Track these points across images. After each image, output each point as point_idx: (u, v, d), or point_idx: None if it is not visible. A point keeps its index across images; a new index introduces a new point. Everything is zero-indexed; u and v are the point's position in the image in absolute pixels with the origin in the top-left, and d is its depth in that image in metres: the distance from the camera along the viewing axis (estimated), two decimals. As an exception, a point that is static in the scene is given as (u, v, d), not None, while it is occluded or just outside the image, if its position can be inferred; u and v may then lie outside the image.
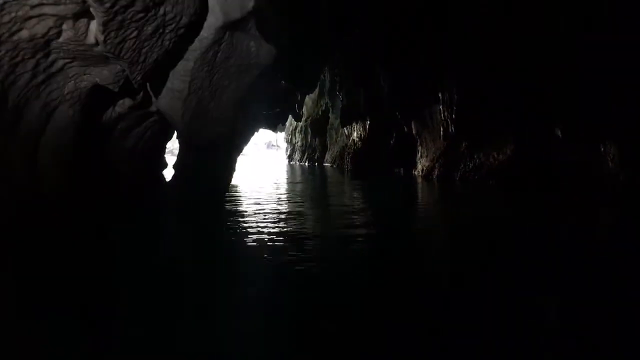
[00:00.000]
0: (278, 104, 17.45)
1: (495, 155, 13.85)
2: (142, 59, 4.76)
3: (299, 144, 42.13)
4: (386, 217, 8.75)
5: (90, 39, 4.19)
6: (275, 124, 27.16)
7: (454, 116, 14.55)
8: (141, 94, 6.14)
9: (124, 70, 4.93)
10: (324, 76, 34.27)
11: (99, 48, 4.29)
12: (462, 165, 14.94)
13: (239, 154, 22.37)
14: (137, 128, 7.49)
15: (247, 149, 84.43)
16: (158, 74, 5.59)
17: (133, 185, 8.57)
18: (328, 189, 14.87)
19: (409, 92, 17.37)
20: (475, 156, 14.49)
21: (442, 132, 15.53)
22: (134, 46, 4.48)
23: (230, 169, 11.02)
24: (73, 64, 4.64)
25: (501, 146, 13.68)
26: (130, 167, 8.42)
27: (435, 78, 15.15)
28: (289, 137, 45.91)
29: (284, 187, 14.16)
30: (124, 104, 6.35)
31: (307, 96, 35.64)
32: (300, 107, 32.97)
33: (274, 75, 11.49)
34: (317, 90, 36.05)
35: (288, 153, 46.24)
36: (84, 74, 4.87)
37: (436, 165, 16.65)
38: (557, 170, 11.61)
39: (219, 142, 8.25)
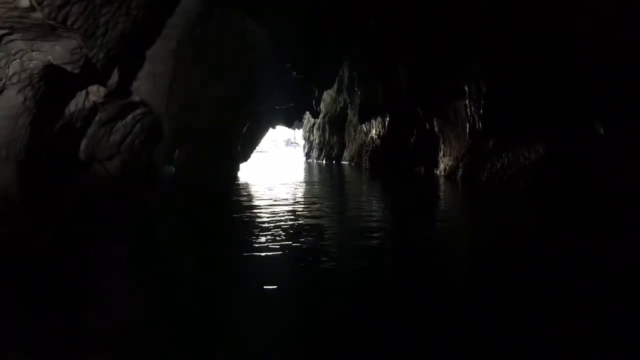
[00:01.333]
0: (291, 98, 16.45)
1: (526, 155, 12.62)
2: (101, 31, 3.84)
3: (317, 141, 41.15)
4: (405, 225, 7.72)
5: (23, 0, 3.27)
6: (290, 120, 26.25)
7: (481, 111, 13.33)
8: (116, 78, 5.21)
9: (82, 47, 4.01)
10: (343, 72, 33.17)
11: (37, 14, 3.37)
12: (488, 165, 13.73)
13: (251, 151, 21.61)
14: (122, 120, 6.58)
15: (267, 146, 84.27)
16: (130, 54, 4.65)
17: (124, 185, 7.71)
18: (345, 192, 13.77)
19: (431, 86, 16.20)
20: (504, 155, 13.26)
21: (467, 129, 14.33)
22: (86, 12, 3.55)
23: (231, 168, 10.13)
24: (14, 37, 3.74)
25: (533, 144, 12.44)
26: (121, 164, 7.57)
27: (461, 70, 13.95)
28: (307, 134, 44.99)
29: (299, 188, 13.11)
30: (99, 91, 5.44)
31: (325, 92, 34.62)
32: (318, 104, 31.92)
33: (282, 65, 10.54)
34: (335, 86, 34.99)
35: (305, 150, 45.29)
36: (32, 51, 3.95)
37: (460, 164, 15.47)
38: (596, 172, 10.38)
39: (214, 137, 7.31)
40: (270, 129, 59.09)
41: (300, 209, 8.07)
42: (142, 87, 5.60)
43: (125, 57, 4.65)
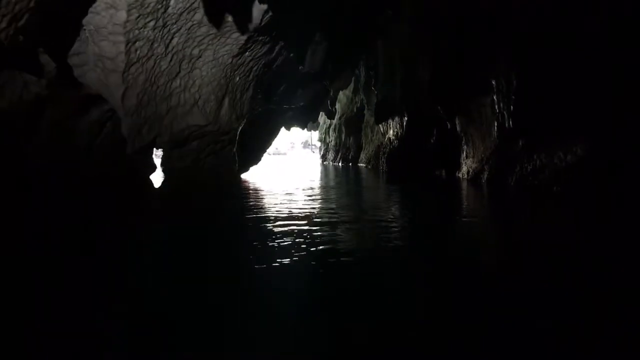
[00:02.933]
0: (304, 97, 15.31)
1: (562, 156, 11.21)
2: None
3: (333, 143, 40.07)
4: (425, 239, 6.48)
5: None
6: (304, 121, 25.17)
7: (511, 107, 11.96)
8: (52, 64, 4.10)
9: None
10: (359, 71, 32.07)
11: None
12: (518, 167, 12.33)
13: (260, 153, 20.56)
14: (83, 118, 5.48)
15: (284, 148, 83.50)
16: (55, 24, 3.52)
17: (93, 197, 6.66)
18: (363, 199, 12.44)
19: (453, 82, 14.91)
20: (535, 157, 11.87)
21: (495, 128, 12.96)
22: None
23: (228, 173, 9.09)
24: None
25: (570, 144, 11.03)
26: (93, 168, 6.51)
27: (488, 62, 12.60)
28: (323, 136, 43.95)
29: (312, 196, 11.79)
30: (40, 81, 4.34)
31: (341, 92, 33.55)
32: (333, 104, 30.95)
33: (283, 55, 9.58)
34: (351, 86, 33.86)
35: (322, 153, 44.34)
36: None
37: (485, 167, 14.10)
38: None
39: (197, 138, 6.20)
40: (287, 131, 58.68)
41: (316, 232, 6.86)
42: (91, 74, 4.50)
43: (48, 29, 3.54)
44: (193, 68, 6.86)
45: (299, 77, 13.08)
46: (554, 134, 11.25)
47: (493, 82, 12.76)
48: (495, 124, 12.97)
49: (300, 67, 12.45)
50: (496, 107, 12.77)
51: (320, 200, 10.10)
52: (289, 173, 23.54)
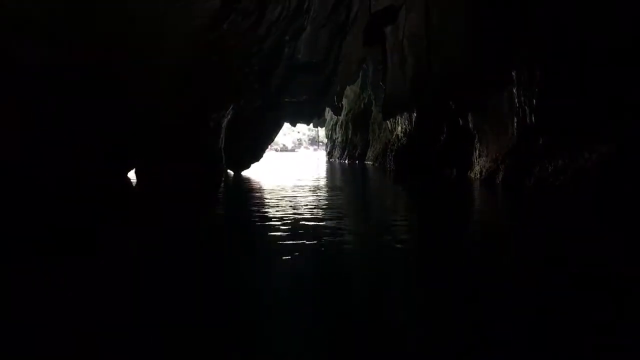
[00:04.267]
0: (302, 87, 14.31)
1: (587, 155, 10.16)
2: None
3: (339, 140, 39.09)
4: (434, 252, 5.52)
5: None
6: (309, 117, 24.19)
7: (534, 102, 10.87)
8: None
9: None
10: (367, 66, 31.03)
11: None
12: (537, 168, 11.28)
13: (261, 149, 19.60)
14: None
15: (291, 145, 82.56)
16: None
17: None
18: (369, 201, 11.39)
19: (467, 74, 13.88)
20: (558, 156, 10.81)
21: (515, 124, 11.87)
22: None
23: (208, 172, 8.07)
24: None
25: (597, 142, 9.98)
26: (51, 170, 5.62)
27: (507, 52, 11.52)
28: (329, 133, 43.00)
29: (317, 198, 10.78)
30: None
31: (348, 88, 32.52)
32: (340, 99, 30.01)
33: (273, 35, 8.43)
34: (359, 81, 32.84)
35: (328, 149, 43.41)
36: None
37: (501, 166, 13.04)
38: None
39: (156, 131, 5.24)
40: (293, 128, 57.45)
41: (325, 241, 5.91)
42: None
43: None
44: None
45: (299, 66, 12.07)
46: (578, 132, 10.19)
47: (513, 74, 11.66)
48: (515, 120, 11.88)
49: (298, 56, 11.43)
50: (515, 101, 11.69)
51: (324, 207, 9.13)
52: (291, 171, 22.60)
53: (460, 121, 16.08)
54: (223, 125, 10.34)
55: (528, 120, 11.28)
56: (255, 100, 11.41)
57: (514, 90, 11.74)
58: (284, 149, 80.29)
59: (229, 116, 10.41)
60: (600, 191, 9.43)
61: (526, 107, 11.29)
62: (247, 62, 8.78)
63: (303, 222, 7.06)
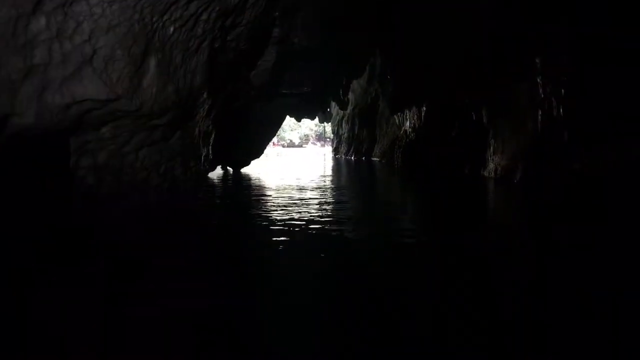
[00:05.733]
0: (309, 82, 13.14)
1: (623, 149, 8.97)
2: None
3: (346, 135, 37.94)
4: (445, 271, 4.45)
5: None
6: (312, 111, 23.13)
7: (562, 92, 9.61)
8: None
9: None
10: (374, 59, 29.84)
11: None
12: (563, 165, 10.06)
13: (261, 145, 18.49)
14: None
15: (298, 141, 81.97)
16: None
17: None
18: (380, 208, 10.16)
19: (484, 62, 12.71)
20: (587, 152, 9.60)
21: (539, 117, 10.62)
22: None
23: (183, 170, 7.01)
24: None
25: (628, 137, 8.80)
26: None
27: (528, 35, 10.26)
28: (336, 128, 41.83)
29: (322, 201, 9.63)
30: None
31: (355, 82, 31.39)
32: (346, 93, 28.96)
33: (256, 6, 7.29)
34: (366, 75, 31.67)
35: (334, 145, 42.28)
36: None
37: (519, 164, 11.89)
38: None
39: (100, 127, 4.21)
40: (298, 123, 56.42)
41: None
42: None
43: None
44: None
45: (296, 52, 10.89)
46: (612, 125, 8.99)
47: (537, 61, 10.38)
48: (540, 113, 10.63)
49: (294, 40, 10.21)
50: (540, 91, 10.44)
51: (329, 212, 8.08)
52: (292, 169, 21.54)
53: (474, 115, 14.93)
54: (210, 117, 9.25)
55: (554, 113, 10.02)
56: (246, 88, 10.32)
57: (538, 80, 10.48)
58: (291, 145, 79.38)
59: (216, 107, 9.32)
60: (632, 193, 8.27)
61: (553, 99, 10.04)
62: (223, 45, 7.57)
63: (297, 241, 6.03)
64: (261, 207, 8.20)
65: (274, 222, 6.68)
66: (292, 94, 15.29)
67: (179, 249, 5.21)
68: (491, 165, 14.06)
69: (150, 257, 4.68)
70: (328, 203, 8.80)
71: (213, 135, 10.11)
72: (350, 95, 32.74)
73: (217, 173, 16.08)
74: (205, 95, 7.89)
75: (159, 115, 6.62)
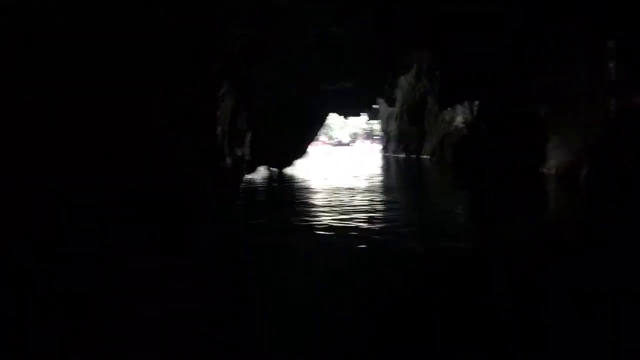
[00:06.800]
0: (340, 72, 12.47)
1: None
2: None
3: (394, 133, 36.92)
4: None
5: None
6: (356, 108, 22.48)
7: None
8: None
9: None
10: (422, 54, 28.76)
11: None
12: (636, 162, 8.89)
13: (303, 143, 17.96)
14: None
15: (349, 139, 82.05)
16: None
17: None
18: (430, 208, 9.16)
19: (539, 50, 11.60)
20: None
21: (613, 106, 9.41)
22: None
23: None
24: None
25: None
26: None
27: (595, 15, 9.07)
28: (384, 126, 40.89)
29: (368, 202, 8.90)
30: None
31: (402, 78, 30.48)
32: (392, 88, 28.13)
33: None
34: (414, 71, 30.65)
35: (383, 143, 41.40)
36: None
37: (585, 160, 10.72)
38: None
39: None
40: (347, 121, 56.29)
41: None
42: None
43: None
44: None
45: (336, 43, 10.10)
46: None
47: (612, 44, 9.07)
48: (613, 102, 9.43)
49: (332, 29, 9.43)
50: (612, 75, 9.25)
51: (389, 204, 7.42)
52: (338, 169, 20.91)
53: (531, 107, 13.78)
54: (240, 114, 8.76)
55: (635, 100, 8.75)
56: (278, 83, 9.77)
57: (612, 65, 9.25)
58: (341, 143, 78.97)
59: (250, 106, 8.83)
60: None
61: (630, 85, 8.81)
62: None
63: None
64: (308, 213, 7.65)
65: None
66: (334, 90, 14.64)
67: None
68: (551, 162, 12.90)
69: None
70: (377, 210, 8.08)
71: (249, 136, 9.68)
72: (398, 92, 31.85)
73: (261, 174, 15.71)
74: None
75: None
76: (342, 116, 30.42)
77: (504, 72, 13.49)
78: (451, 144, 21.85)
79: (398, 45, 15.95)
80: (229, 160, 8.58)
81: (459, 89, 19.13)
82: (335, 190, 10.58)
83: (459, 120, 21.87)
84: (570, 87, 11.54)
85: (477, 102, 19.38)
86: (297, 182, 13.24)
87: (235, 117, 8.58)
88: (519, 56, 12.89)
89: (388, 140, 39.10)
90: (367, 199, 9.14)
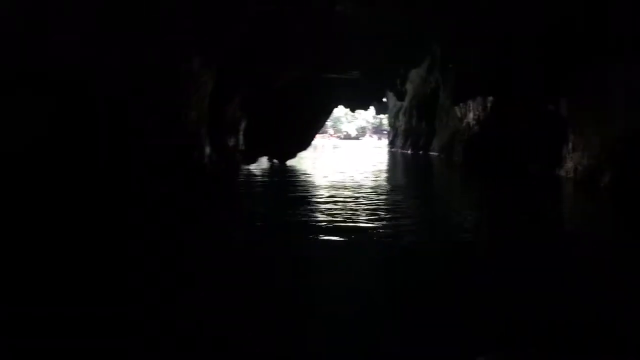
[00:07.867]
0: (347, 60, 11.71)
1: None
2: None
3: (402, 127, 36.13)
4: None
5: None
6: (364, 100, 21.76)
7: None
8: None
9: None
10: (434, 48, 27.89)
11: None
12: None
13: (307, 136, 17.23)
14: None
15: (357, 132, 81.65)
16: None
17: None
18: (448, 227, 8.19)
19: (561, 45, 10.80)
20: None
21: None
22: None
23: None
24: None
25: None
26: None
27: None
28: (392, 120, 40.12)
29: (371, 203, 8.09)
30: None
31: (413, 71, 29.62)
32: (403, 82, 27.30)
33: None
34: (426, 64, 29.76)
35: (390, 138, 40.63)
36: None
37: (606, 164, 9.94)
38: None
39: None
40: (355, 115, 55.75)
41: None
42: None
43: None
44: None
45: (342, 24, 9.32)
46: None
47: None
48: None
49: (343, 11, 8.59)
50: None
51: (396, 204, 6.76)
52: (342, 163, 20.21)
53: (550, 105, 12.98)
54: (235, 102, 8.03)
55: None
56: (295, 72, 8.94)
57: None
58: (348, 137, 78.29)
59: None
60: None
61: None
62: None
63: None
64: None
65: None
66: (341, 80, 13.85)
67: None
68: (569, 164, 12.13)
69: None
70: (383, 210, 7.37)
71: (243, 124, 8.95)
72: (409, 86, 30.99)
73: (260, 166, 15.01)
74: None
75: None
76: (349, 109, 29.66)
77: (523, 68, 12.70)
78: (462, 141, 21.07)
79: (418, 27, 15.05)
80: (208, 151, 7.67)
81: (473, 84, 18.33)
82: (337, 195, 9.70)
83: (471, 116, 21.04)
84: (593, 85, 10.75)
85: (490, 98, 18.58)
86: (298, 178, 12.54)
87: (223, 101, 7.80)
88: (539, 54, 12.11)
89: (396, 135, 38.32)
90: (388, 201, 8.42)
